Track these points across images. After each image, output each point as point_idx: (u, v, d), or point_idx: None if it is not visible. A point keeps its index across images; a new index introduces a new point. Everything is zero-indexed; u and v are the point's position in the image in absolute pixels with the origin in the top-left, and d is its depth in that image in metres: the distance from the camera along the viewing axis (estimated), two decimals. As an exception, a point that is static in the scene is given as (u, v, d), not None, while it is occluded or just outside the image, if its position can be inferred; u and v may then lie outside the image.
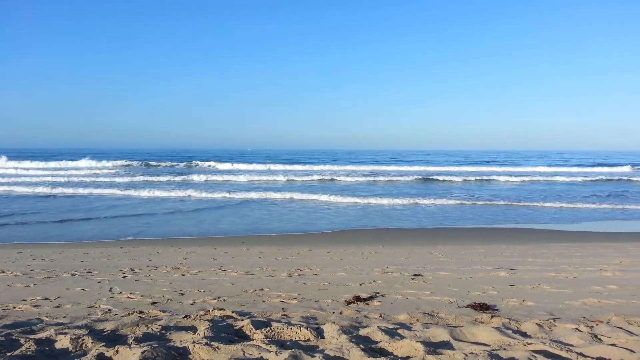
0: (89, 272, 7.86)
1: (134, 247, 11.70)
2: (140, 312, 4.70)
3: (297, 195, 24.71)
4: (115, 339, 3.57)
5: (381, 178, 38.73)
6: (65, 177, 35.52)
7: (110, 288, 6.38)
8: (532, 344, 3.35)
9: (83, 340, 3.40)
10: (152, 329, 3.74)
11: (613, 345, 3.35)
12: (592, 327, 3.90)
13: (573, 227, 15.70)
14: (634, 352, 3.19)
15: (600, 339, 3.53)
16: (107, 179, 34.98)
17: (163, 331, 3.71)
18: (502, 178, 37.94)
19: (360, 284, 6.52)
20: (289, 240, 13.02)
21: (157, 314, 4.60)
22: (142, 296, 5.79)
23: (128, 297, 5.74)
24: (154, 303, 5.34)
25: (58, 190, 26.73)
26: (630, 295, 5.49)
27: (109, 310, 4.97)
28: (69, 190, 26.73)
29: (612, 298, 5.35)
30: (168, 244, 12.30)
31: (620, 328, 3.80)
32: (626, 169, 52.15)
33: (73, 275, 7.51)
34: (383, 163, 65.42)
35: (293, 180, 36.65)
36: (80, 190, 26.45)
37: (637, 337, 3.53)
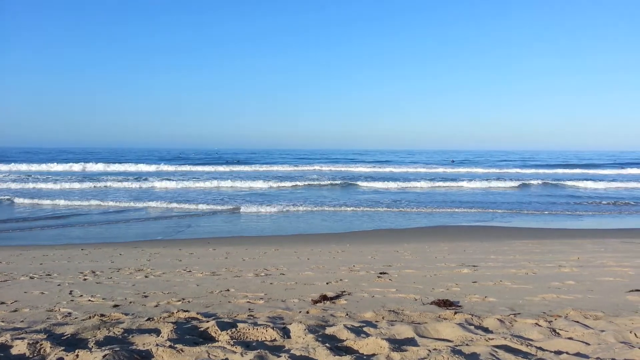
0: (48, 274, 7.62)
1: (96, 248, 11.40)
2: (102, 315, 4.58)
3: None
4: (75, 343, 3.47)
5: (287, 183, 30.66)
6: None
7: (71, 291, 6.20)
8: (493, 339, 3.43)
9: (41, 345, 3.29)
10: (114, 332, 3.65)
11: (570, 338, 3.47)
12: (551, 321, 4.02)
13: (533, 224, 16.17)
14: (589, 344, 3.31)
15: (558, 333, 3.65)
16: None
17: (125, 334, 3.63)
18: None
19: (327, 283, 6.54)
20: (256, 241, 12.96)
21: (119, 316, 4.50)
22: (103, 299, 5.65)
23: (89, 300, 5.59)
24: (116, 306, 5.22)
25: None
26: (586, 291, 5.69)
27: (69, 313, 4.83)
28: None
29: (570, 293, 5.54)
30: (131, 245, 12.04)
31: (577, 322, 3.93)
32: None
33: (31, 278, 7.26)
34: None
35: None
36: None
37: (592, 330, 3.66)
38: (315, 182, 30.85)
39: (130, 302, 5.41)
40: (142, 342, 3.43)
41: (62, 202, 20.80)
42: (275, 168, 49.58)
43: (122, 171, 43.42)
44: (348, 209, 19.52)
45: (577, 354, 3.12)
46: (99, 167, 46.00)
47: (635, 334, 3.41)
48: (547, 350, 3.22)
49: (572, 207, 20.64)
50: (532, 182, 32.22)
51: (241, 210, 19.09)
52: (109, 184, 29.21)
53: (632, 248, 10.26)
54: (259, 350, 3.13)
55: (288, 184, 30.07)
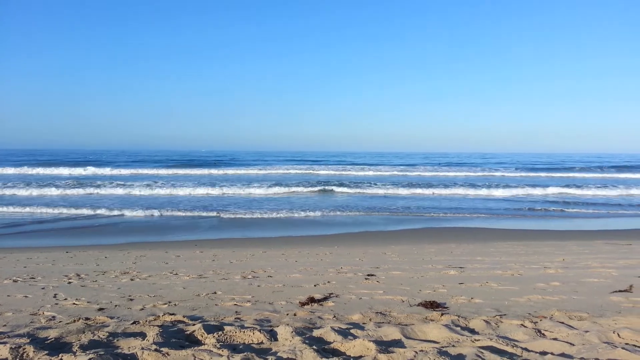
0: (32, 277, 7.51)
1: (81, 251, 11.27)
2: (87, 318, 4.53)
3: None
4: (59, 347, 3.43)
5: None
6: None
7: (55, 294, 6.11)
8: (479, 340, 3.46)
9: (24, 349, 3.24)
10: (99, 336, 3.61)
11: (555, 339, 3.51)
12: (536, 322, 4.06)
13: (519, 225, 16.31)
14: (573, 345, 3.34)
15: (543, 334, 3.68)
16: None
17: (110, 338, 3.59)
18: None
19: (315, 285, 6.54)
20: (244, 243, 12.91)
21: (104, 320, 4.45)
22: (88, 302, 5.59)
23: (74, 304, 5.52)
24: (101, 309, 5.16)
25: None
26: (571, 292, 5.75)
27: (53, 317, 4.76)
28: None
29: (555, 294, 5.59)
30: (116, 248, 11.93)
31: (562, 323, 3.98)
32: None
33: (15, 281, 7.16)
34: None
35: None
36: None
37: (577, 331, 3.70)
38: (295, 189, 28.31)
39: (116, 306, 5.36)
40: (127, 346, 3.40)
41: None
42: (252, 171, 47.55)
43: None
44: (330, 212, 19.52)
45: (562, 355, 3.15)
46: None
47: (618, 334, 3.45)
48: (532, 351, 3.25)
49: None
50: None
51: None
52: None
53: (616, 249, 10.40)
54: (245, 353, 3.11)
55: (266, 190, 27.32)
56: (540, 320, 4.15)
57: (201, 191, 25.88)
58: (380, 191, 27.02)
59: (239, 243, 12.83)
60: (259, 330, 3.70)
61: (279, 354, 3.15)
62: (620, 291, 5.61)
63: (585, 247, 10.93)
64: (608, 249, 10.54)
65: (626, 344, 3.27)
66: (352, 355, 3.23)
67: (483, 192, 26.33)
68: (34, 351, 3.22)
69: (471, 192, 26.42)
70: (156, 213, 18.48)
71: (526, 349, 3.28)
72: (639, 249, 10.40)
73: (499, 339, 3.46)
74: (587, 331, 3.64)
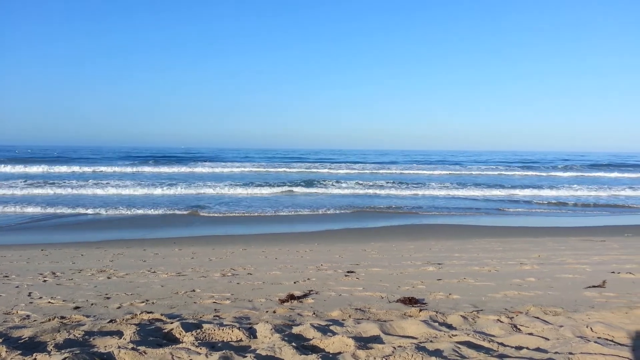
0: (6, 276, 7.35)
1: (56, 249, 11.07)
2: (62, 317, 4.45)
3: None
4: (33, 346, 3.36)
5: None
6: None
7: (30, 293, 6.00)
8: (457, 335, 3.50)
9: (-4, 349, 3.17)
10: (75, 335, 3.55)
11: (531, 334, 3.57)
12: (512, 317, 4.12)
13: (496, 222, 16.54)
14: (548, 339, 3.40)
15: (519, 329, 3.74)
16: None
17: (86, 337, 3.54)
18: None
19: (295, 282, 6.54)
20: (224, 240, 12.83)
21: (80, 318, 4.38)
22: (64, 301, 5.49)
23: (49, 302, 5.42)
24: (77, 308, 5.08)
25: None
26: (547, 287, 5.86)
27: (28, 316, 4.68)
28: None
29: (530, 290, 5.69)
30: (93, 246, 11.75)
31: (538, 318, 4.05)
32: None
33: (-13, 280, 7.00)
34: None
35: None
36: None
37: (551, 325, 3.77)
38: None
39: (92, 304, 5.28)
40: (103, 345, 3.35)
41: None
42: (232, 169, 46.20)
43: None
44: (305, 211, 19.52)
45: (537, 349, 3.21)
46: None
47: (591, 329, 3.53)
48: (508, 346, 3.30)
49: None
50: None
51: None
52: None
53: (590, 246, 10.62)
54: (224, 351, 3.10)
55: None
56: (516, 315, 4.22)
57: (178, 189, 25.56)
58: (361, 191, 27.06)
59: (218, 240, 12.75)
60: (238, 328, 3.68)
61: (257, 352, 3.14)
62: (594, 287, 5.74)
63: (561, 243, 11.14)
64: (583, 245, 10.76)
65: (598, 338, 3.34)
66: (331, 352, 3.24)
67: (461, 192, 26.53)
68: (6, 351, 3.16)
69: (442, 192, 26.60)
70: (133, 211, 18.23)
71: (502, 344, 3.33)
72: (612, 245, 10.64)
73: (476, 334, 3.50)
74: (561, 326, 3.71)
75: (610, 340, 3.28)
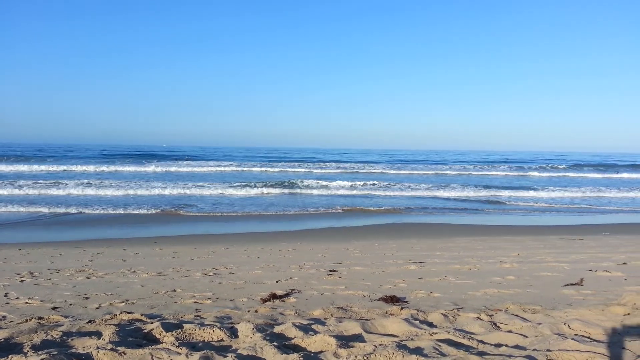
0: (-19, 277, 7.20)
1: (34, 249, 10.88)
2: (40, 318, 4.37)
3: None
4: (9, 348, 3.30)
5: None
6: None
7: (6, 293, 5.89)
8: (437, 333, 3.53)
9: (-30, 351, 3.10)
10: (52, 336, 3.50)
11: (510, 331, 3.62)
12: (492, 315, 4.17)
13: (477, 221, 16.72)
14: (527, 337, 3.45)
15: (498, 327, 3.79)
16: None
17: (64, 337, 3.48)
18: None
19: (277, 282, 6.52)
20: (206, 239, 12.73)
21: (59, 319, 4.31)
22: (41, 301, 5.40)
23: (26, 303, 5.33)
24: (55, 308, 5.00)
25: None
26: (526, 285, 5.94)
27: (4, 317, 4.58)
28: None
29: (510, 288, 5.77)
30: (72, 245, 11.57)
31: (517, 315, 4.10)
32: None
33: (-39, 281, 6.85)
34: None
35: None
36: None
37: (530, 323, 3.83)
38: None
39: (71, 304, 5.20)
40: (82, 345, 3.31)
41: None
42: (213, 168, 45.41)
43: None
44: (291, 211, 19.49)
45: (516, 346, 3.25)
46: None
47: (568, 326, 3.59)
48: (487, 343, 3.33)
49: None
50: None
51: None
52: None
53: (569, 244, 10.80)
54: (205, 351, 3.08)
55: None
56: (496, 313, 4.27)
57: (159, 188, 25.26)
58: (344, 190, 27.09)
59: (200, 240, 12.65)
60: (219, 328, 3.66)
61: (239, 351, 3.12)
62: (571, 284, 5.84)
63: (540, 242, 11.31)
64: (561, 244, 10.94)
65: (576, 334, 3.39)
66: (312, 351, 3.24)
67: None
68: (-19, 353, 3.09)
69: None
70: (112, 210, 18.00)
71: (482, 341, 3.36)
72: (590, 243, 10.84)
73: (456, 331, 3.54)
74: (540, 323, 3.77)
75: (587, 337, 3.34)
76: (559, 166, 56.48)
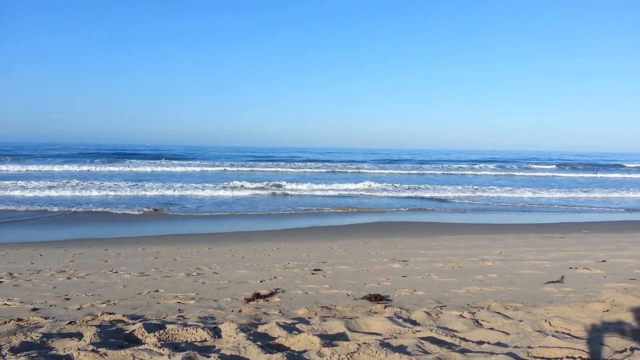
0: (-42, 278, 7.06)
1: (14, 249, 10.68)
2: (19, 319, 4.30)
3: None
4: (-14, 351, 3.23)
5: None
6: None
7: (-16, 295, 5.77)
8: (420, 331, 3.55)
9: (-54, 355, 3.04)
10: (32, 338, 3.44)
11: (492, 329, 3.66)
12: (474, 313, 4.21)
13: (460, 219, 16.88)
14: (508, 334, 3.50)
15: (481, 324, 3.83)
16: None
17: (44, 339, 3.43)
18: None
19: (261, 281, 6.50)
20: (189, 239, 12.64)
21: (39, 320, 4.24)
22: (21, 302, 5.31)
23: (5, 304, 5.23)
24: (35, 309, 4.92)
25: None
26: (508, 283, 6.01)
27: (-19, 319, 4.49)
28: None
29: (492, 286, 5.83)
30: (53, 245, 11.39)
31: (499, 313, 4.15)
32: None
33: (-62, 283, 6.70)
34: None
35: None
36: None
37: (512, 320, 3.87)
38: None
39: (51, 306, 5.12)
40: (62, 347, 3.26)
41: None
42: (195, 168, 44.91)
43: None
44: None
45: (498, 344, 3.29)
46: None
47: (549, 323, 3.64)
48: (470, 341, 3.37)
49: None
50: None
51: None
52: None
53: (549, 242, 10.96)
54: (187, 352, 3.06)
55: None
56: (478, 310, 4.31)
57: (142, 187, 25.01)
58: (329, 190, 27.11)
59: (183, 240, 12.56)
60: (203, 328, 3.64)
61: (222, 352, 3.11)
62: (552, 282, 5.92)
63: (521, 240, 11.45)
64: (542, 242, 11.09)
65: (556, 331, 3.45)
66: (296, 350, 3.24)
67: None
68: (-43, 356, 3.03)
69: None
70: (95, 210, 17.77)
71: (464, 339, 3.39)
72: (571, 241, 11.01)
73: (439, 329, 3.56)
74: (521, 320, 3.82)
75: (567, 334, 3.39)
76: (539, 166, 57.39)
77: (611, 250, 9.18)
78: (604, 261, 7.62)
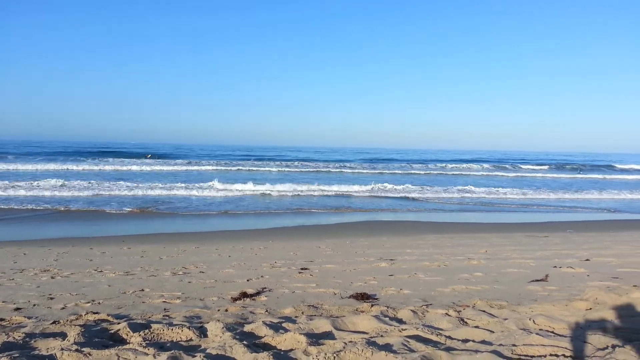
0: (-61, 278, 6.94)
1: (-4, 248, 10.53)
2: (1, 319, 4.25)
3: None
4: (-33, 351, 3.19)
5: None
6: None
7: (-35, 295, 5.69)
8: (406, 329, 3.57)
9: None
10: (14, 337, 3.40)
11: (477, 327, 3.69)
12: (460, 311, 4.24)
13: (447, 218, 16.99)
14: (493, 332, 3.53)
15: (466, 322, 3.86)
16: None
17: (27, 339, 3.39)
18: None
19: (248, 280, 6.49)
20: (176, 238, 12.56)
21: (21, 320, 4.20)
22: (3, 302, 5.24)
23: (-14, 305, 5.16)
24: (17, 309, 4.86)
25: None
26: (493, 281, 6.07)
27: (-38, 320, 4.43)
28: None
29: (477, 284, 5.88)
30: (37, 244, 11.25)
31: (484, 311, 4.18)
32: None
33: None
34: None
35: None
36: None
37: (497, 318, 3.91)
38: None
39: (34, 305, 5.06)
40: (45, 347, 3.22)
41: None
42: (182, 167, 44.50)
43: None
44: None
45: (483, 342, 3.32)
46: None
47: (533, 321, 3.68)
48: (455, 339, 3.39)
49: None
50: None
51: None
52: None
53: (534, 241, 11.07)
54: (173, 351, 3.04)
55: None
56: (464, 309, 4.34)
57: (128, 186, 24.77)
58: (316, 191, 27.09)
59: (170, 239, 12.47)
60: (188, 327, 3.62)
61: (208, 351, 3.09)
62: (537, 280, 5.98)
63: (506, 239, 11.55)
64: (527, 241, 11.20)
65: (540, 329, 3.48)
66: (282, 349, 3.24)
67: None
68: (-63, 357, 2.98)
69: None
70: (79, 208, 17.58)
71: (450, 337, 3.42)
72: (555, 240, 11.13)
73: (425, 328, 3.58)
74: (506, 319, 3.85)
75: (550, 332, 3.43)
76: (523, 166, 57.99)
77: (595, 249, 9.30)
78: (587, 260, 7.72)
